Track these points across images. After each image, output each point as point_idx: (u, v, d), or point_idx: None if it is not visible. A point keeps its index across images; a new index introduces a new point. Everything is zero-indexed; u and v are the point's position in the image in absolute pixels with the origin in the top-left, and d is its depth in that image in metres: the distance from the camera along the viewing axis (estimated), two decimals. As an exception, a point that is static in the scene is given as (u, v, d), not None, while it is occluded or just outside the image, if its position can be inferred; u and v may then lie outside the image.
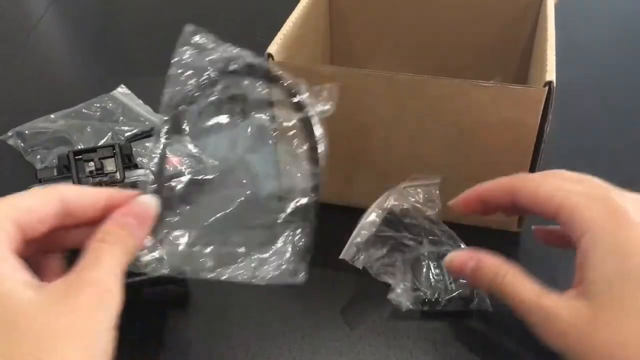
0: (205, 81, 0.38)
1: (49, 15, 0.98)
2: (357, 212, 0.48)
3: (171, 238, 0.36)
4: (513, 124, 0.47)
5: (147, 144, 0.62)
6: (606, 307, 0.32)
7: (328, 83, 0.40)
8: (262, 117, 0.40)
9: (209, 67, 0.38)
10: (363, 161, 0.54)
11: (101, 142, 0.64)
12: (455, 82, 0.47)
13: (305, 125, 0.39)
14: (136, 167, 0.47)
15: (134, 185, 0.45)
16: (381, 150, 0.53)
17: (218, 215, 0.38)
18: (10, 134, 0.67)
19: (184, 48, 0.39)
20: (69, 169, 0.45)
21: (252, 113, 0.40)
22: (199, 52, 0.38)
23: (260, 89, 0.39)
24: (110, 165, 0.45)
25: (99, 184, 0.44)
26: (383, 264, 0.48)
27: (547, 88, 0.45)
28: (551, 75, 0.45)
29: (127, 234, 0.32)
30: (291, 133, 0.39)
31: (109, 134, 0.66)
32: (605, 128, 0.69)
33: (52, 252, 0.34)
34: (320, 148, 0.40)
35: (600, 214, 0.35)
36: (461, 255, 0.40)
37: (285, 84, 0.39)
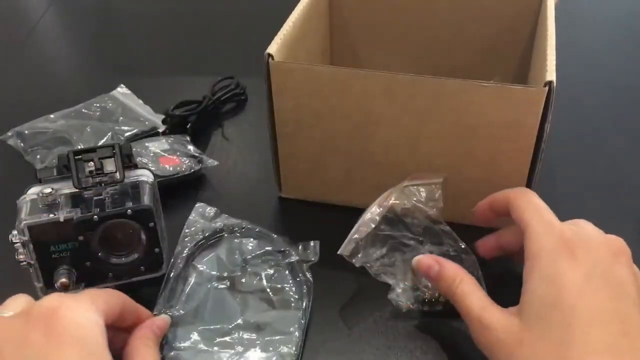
0: (211, 239, 0.51)
1: (49, 15, 0.98)
2: (357, 212, 0.48)
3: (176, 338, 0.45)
4: (513, 124, 0.47)
5: (147, 144, 0.62)
6: (533, 329, 0.36)
7: (312, 241, 0.50)
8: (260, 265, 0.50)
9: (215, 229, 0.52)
10: (363, 161, 0.54)
11: (101, 142, 0.64)
12: (455, 82, 0.47)
13: (294, 271, 0.49)
14: (136, 167, 0.47)
15: (134, 185, 0.45)
16: (381, 150, 0.53)
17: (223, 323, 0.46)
18: (10, 134, 0.67)
19: (194, 217, 0.52)
20: (69, 169, 0.44)
21: (251, 263, 0.50)
22: (205, 221, 0.52)
23: (256, 247, 0.51)
24: (110, 165, 0.45)
25: (99, 183, 0.44)
26: (383, 263, 0.48)
27: (547, 88, 0.45)
28: (551, 75, 0.45)
29: (156, 339, 0.41)
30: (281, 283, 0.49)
31: (109, 134, 0.66)
32: (605, 128, 0.69)
33: None
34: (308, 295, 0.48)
35: (551, 246, 0.39)
36: (427, 259, 0.45)
37: (276, 240, 0.51)
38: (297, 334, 0.45)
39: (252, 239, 0.52)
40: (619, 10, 0.96)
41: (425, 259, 0.45)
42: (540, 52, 0.51)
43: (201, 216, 0.53)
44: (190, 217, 0.52)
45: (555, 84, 0.44)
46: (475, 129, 0.49)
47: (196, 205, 0.53)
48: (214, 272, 0.49)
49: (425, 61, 0.68)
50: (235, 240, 0.52)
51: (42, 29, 0.94)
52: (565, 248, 0.38)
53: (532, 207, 0.42)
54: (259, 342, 0.44)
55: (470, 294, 0.41)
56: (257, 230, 0.52)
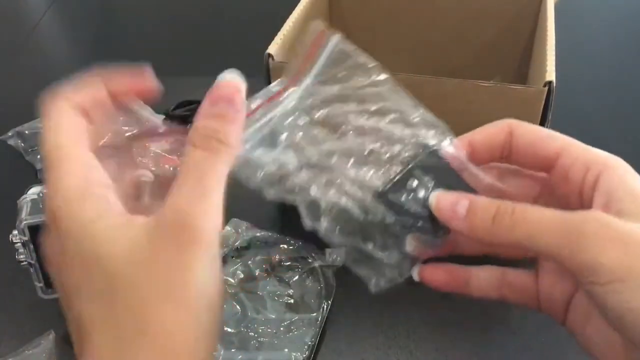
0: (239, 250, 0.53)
1: (49, 15, 0.98)
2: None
3: None
4: (513, 124, 0.47)
5: (147, 144, 0.62)
6: None
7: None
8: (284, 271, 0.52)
9: None
10: (363, 161, 0.54)
11: (101, 143, 0.64)
12: (455, 82, 0.47)
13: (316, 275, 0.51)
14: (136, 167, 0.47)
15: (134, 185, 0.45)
16: (381, 150, 0.52)
17: None
18: (10, 134, 0.67)
19: (228, 230, 0.54)
20: (69, 169, 0.44)
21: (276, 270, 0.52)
22: (237, 234, 0.55)
23: (281, 254, 0.52)
24: (110, 165, 0.45)
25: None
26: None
27: (547, 88, 0.45)
28: (551, 75, 0.45)
29: (228, 130, 0.26)
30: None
31: (109, 134, 0.65)
32: (605, 128, 0.69)
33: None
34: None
35: (613, 160, 0.30)
36: (449, 196, 0.29)
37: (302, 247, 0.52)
38: (310, 338, 0.45)
39: (278, 247, 0.53)
40: (619, 10, 0.96)
41: (446, 197, 0.29)
42: (540, 52, 0.51)
43: (235, 229, 0.54)
44: (223, 231, 0.53)
45: (555, 84, 0.44)
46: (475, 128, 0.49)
47: (231, 220, 0.54)
48: (238, 280, 0.50)
49: (425, 61, 0.68)
50: (263, 250, 0.53)
51: (43, 29, 0.94)
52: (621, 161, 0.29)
53: (555, 134, 0.31)
54: (273, 343, 0.45)
55: (538, 209, 0.27)
56: (285, 239, 0.53)
